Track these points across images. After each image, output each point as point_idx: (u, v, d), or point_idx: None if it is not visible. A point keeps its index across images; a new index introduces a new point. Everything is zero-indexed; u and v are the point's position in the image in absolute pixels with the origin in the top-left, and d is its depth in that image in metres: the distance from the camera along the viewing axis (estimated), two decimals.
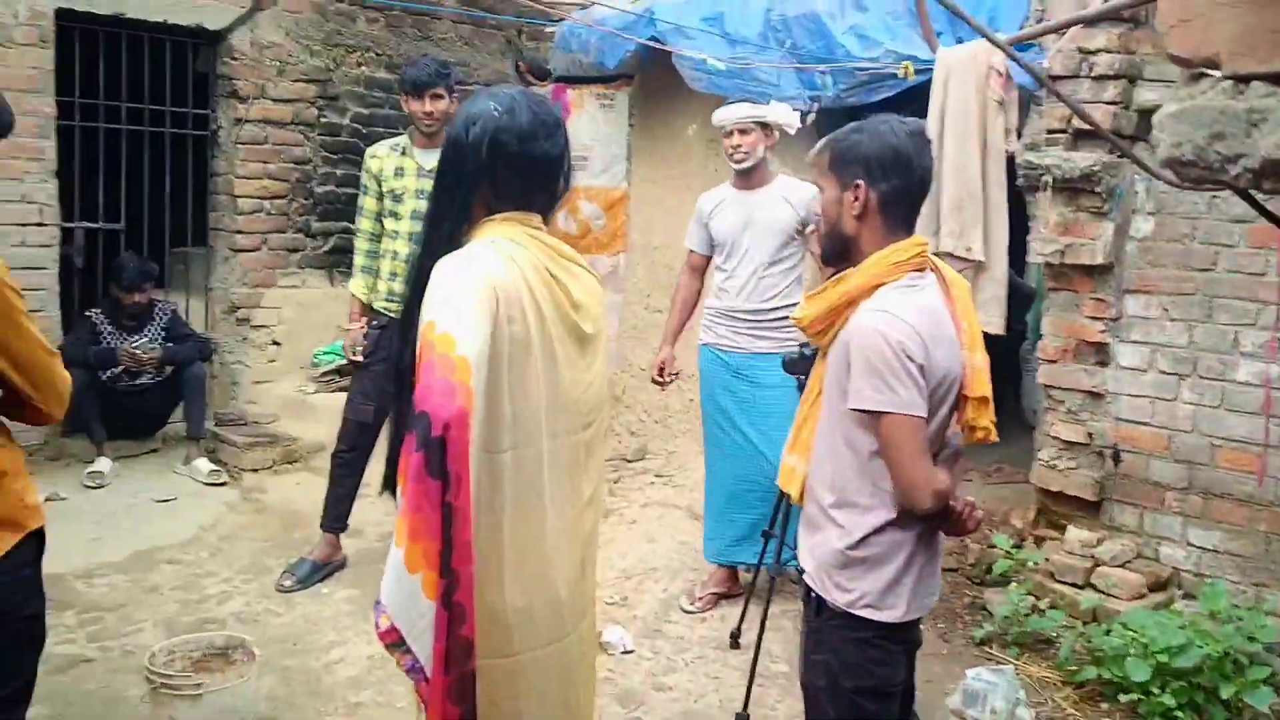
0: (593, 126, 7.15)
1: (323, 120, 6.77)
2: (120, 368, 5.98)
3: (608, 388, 2.40)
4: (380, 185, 4.71)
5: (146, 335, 6.14)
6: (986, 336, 2.74)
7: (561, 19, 6.90)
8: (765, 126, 4.38)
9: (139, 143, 6.30)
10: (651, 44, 5.59)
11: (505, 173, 2.16)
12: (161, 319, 6.21)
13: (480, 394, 1.96)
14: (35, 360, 2.31)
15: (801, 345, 3.97)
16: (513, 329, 2.06)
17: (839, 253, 2.47)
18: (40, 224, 5.83)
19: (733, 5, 5.62)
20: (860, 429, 2.36)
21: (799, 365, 3.94)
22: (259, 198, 6.60)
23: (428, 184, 4.64)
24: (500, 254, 2.09)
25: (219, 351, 6.63)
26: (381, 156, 4.73)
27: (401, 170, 4.70)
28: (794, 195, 4.43)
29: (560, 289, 2.18)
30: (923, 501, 2.29)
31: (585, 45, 6.37)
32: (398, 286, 4.69)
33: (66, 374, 2.43)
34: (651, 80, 6.54)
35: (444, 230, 2.18)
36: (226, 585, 4.82)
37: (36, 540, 2.44)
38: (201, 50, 6.47)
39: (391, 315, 4.71)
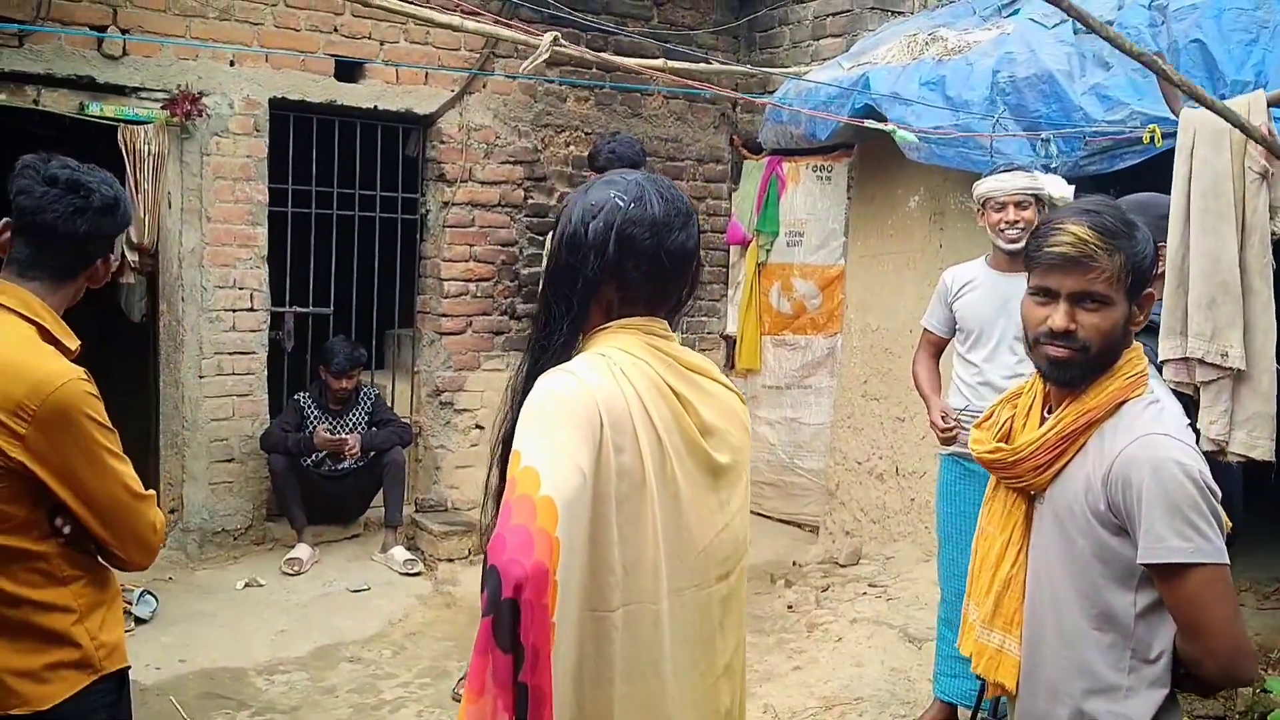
0: (809, 200, 6.73)
1: (529, 202, 6.64)
2: (322, 453, 5.95)
3: (747, 529, 1.97)
4: None
5: (350, 419, 6.10)
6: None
7: (774, 91, 6.55)
8: (1038, 200, 3.85)
9: (350, 228, 6.33)
10: (850, 121, 5.12)
11: (636, 273, 1.79)
12: (365, 403, 6.17)
13: (578, 543, 1.58)
14: (115, 502, 2.09)
15: None
16: (621, 460, 1.68)
17: (1097, 373, 1.96)
18: (250, 309, 5.90)
19: (956, 69, 5.10)
20: (1121, 589, 1.86)
21: None
22: (464, 280, 6.50)
23: None
24: (610, 369, 1.72)
25: (422, 435, 6.54)
26: None
27: None
28: None
29: (687, 410, 1.79)
30: (1250, 671, 1.83)
31: (796, 116, 5.97)
32: None
33: (157, 517, 2.20)
34: (870, 150, 6.07)
35: (556, 342, 1.81)
36: (403, 690, 4.59)
37: (116, 683, 2.21)
38: (411, 135, 6.47)
39: None
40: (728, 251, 7.32)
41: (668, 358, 1.81)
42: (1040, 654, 1.98)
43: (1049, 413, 2.01)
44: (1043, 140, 4.18)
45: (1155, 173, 4.54)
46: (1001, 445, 2.03)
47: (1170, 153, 4.23)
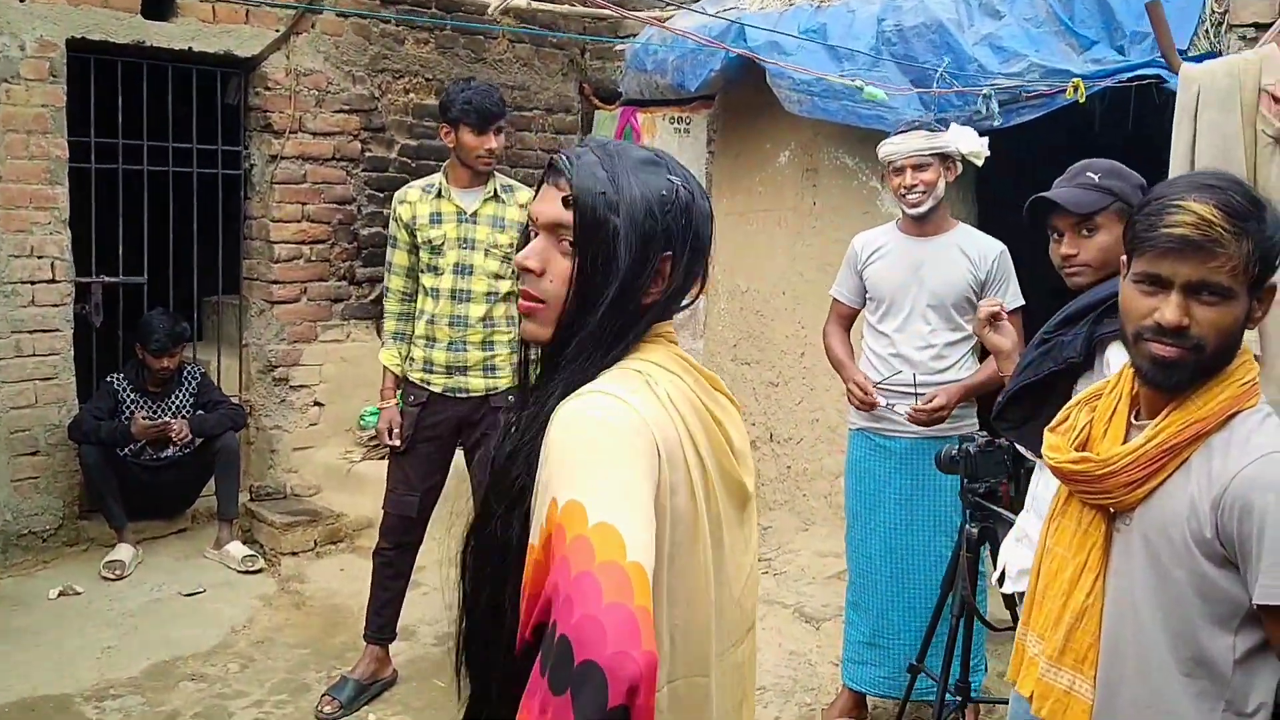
0: None
1: (367, 154, 6.07)
2: (141, 441, 5.29)
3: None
4: (414, 235, 3.98)
5: (173, 403, 5.45)
6: None
7: (633, 35, 6.15)
8: (945, 158, 3.59)
9: (163, 185, 5.62)
10: (824, 77, 4.54)
11: (700, 276, 1.51)
12: (190, 384, 5.52)
13: None
14: None
15: (964, 439, 3.17)
16: (676, 503, 1.37)
17: (1206, 377, 1.68)
18: (52, 280, 5.17)
19: (837, 16, 4.83)
20: (1220, 630, 1.60)
21: (958, 465, 3.14)
22: (297, 242, 5.90)
23: (472, 231, 3.91)
24: (652, 389, 1.38)
25: (254, 415, 5.93)
26: (413, 201, 3.99)
27: (439, 216, 3.96)
28: (974, 248, 3.63)
29: (722, 432, 1.48)
30: None
31: (662, 64, 5.60)
32: (440, 356, 3.99)
33: None
34: (736, 102, 5.77)
35: (597, 363, 1.41)
36: (257, 710, 4.09)
37: None
38: (231, 80, 5.79)
39: (432, 389, 4.01)
40: None
41: (694, 370, 1.49)
42: (1117, 699, 1.72)
43: (1136, 418, 1.74)
44: (984, 96, 3.93)
45: (1046, 129, 4.40)
46: (1088, 455, 1.73)
47: (1070, 109, 4.09)
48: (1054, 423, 1.88)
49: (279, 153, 5.77)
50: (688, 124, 6.30)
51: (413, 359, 4.06)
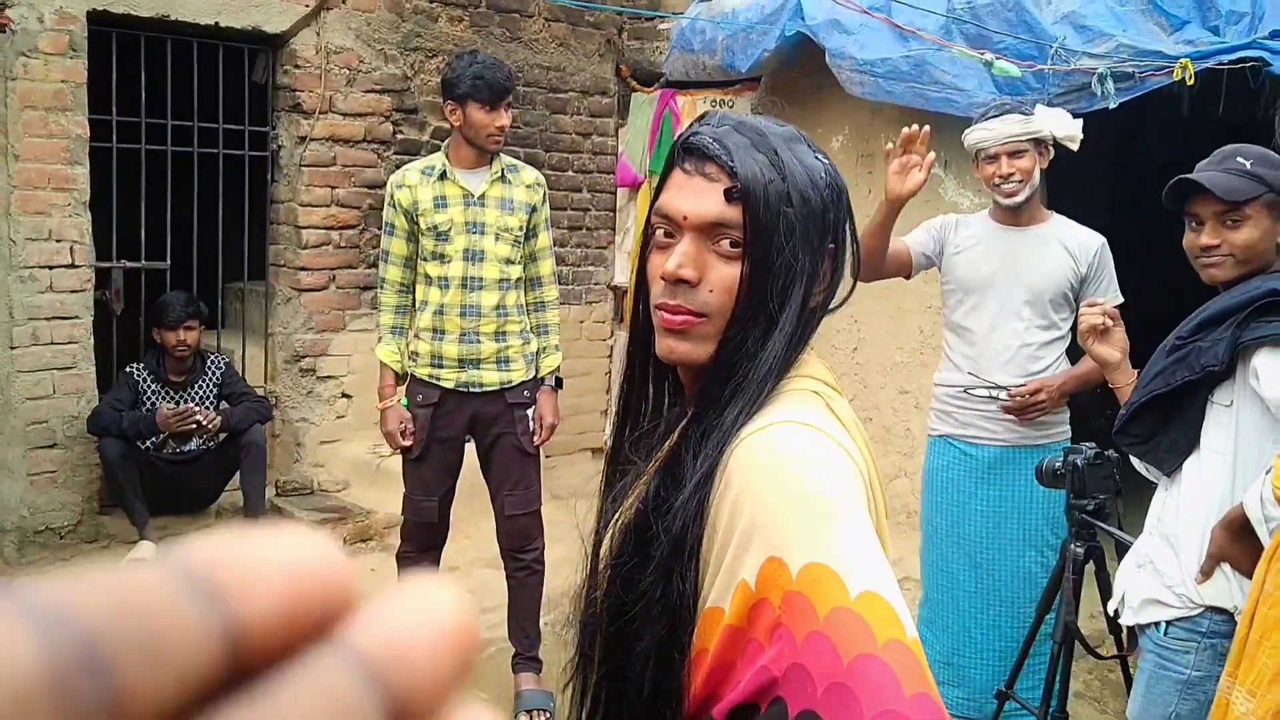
0: None
1: (399, 137, 5.82)
2: (164, 434, 5.06)
3: None
4: (415, 222, 3.71)
5: (196, 393, 5.21)
6: None
7: (675, 13, 5.90)
8: (1038, 143, 3.33)
9: (187, 167, 5.39)
10: (939, 41, 4.27)
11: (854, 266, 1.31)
12: (214, 373, 5.28)
13: None
14: None
15: (1070, 450, 2.92)
16: None
17: None
18: (71, 265, 4.93)
19: None
20: None
21: (1064, 479, 2.89)
22: (326, 228, 5.65)
23: (480, 215, 3.64)
24: (840, 415, 1.17)
25: (280, 407, 5.70)
26: (413, 185, 3.71)
27: (444, 200, 3.69)
28: (1073, 240, 3.37)
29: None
30: None
31: (711, 44, 5.35)
32: (450, 349, 3.73)
33: None
34: (783, 84, 5.51)
35: (779, 377, 1.17)
36: None
37: None
38: (259, 57, 5.54)
39: (443, 385, 3.76)
40: (615, 195, 6.67)
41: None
42: None
43: None
44: (1097, 76, 3.67)
45: (1121, 116, 4.14)
46: None
47: (1160, 93, 3.82)
48: None
49: (308, 134, 5.52)
50: (731, 107, 6.04)
51: (417, 354, 3.81)
